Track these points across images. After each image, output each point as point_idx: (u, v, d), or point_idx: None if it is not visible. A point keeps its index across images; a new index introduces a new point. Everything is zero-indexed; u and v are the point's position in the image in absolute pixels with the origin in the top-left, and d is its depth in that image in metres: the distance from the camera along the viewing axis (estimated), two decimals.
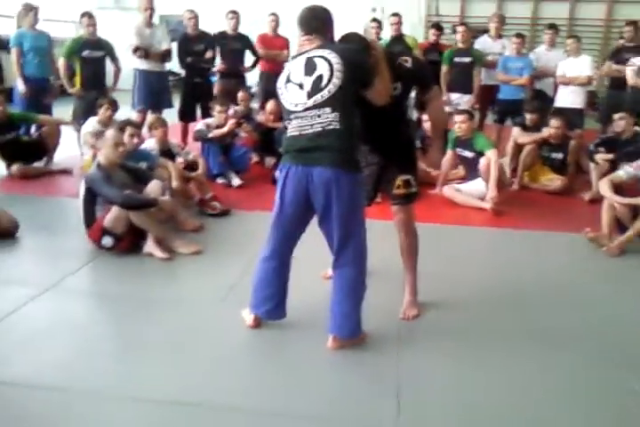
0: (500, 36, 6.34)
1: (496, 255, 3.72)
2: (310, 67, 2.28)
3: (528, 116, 5.38)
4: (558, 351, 2.52)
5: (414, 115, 5.65)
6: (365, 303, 2.43)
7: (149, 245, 3.38)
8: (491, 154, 4.48)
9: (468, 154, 4.71)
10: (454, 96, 6.00)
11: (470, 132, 4.66)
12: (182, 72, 6.24)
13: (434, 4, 11.11)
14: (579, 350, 2.54)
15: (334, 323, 2.40)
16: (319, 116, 2.24)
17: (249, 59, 6.33)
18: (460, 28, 6.11)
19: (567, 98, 5.77)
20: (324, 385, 2.24)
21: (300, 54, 2.38)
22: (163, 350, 2.44)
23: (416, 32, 8.66)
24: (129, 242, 3.40)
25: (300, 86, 2.29)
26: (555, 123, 5.02)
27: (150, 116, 5.30)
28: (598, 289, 3.21)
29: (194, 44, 5.90)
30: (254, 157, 5.66)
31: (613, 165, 4.57)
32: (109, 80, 5.87)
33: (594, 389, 2.27)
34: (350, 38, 2.45)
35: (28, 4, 5.60)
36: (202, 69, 5.99)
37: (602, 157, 4.83)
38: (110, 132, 3.52)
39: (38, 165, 5.30)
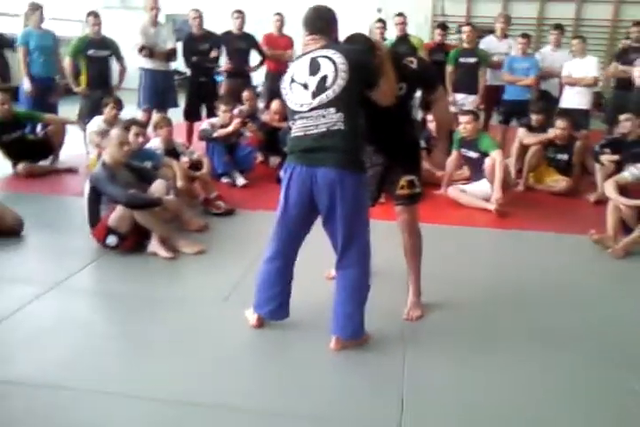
0: (505, 37, 6.32)
1: (500, 256, 3.71)
2: (315, 67, 2.28)
3: (533, 117, 5.37)
4: (561, 352, 2.52)
5: (419, 115, 5.64)
6: (369, 304, 2.42)
7: (153, 245, 3.39)
8: (496, 155, 4.48)
9: (473, 154, 4.70)
10: (459, 96, 5.99)
11: (475, 133, 4.65)
12: (187, 71, 6.25)
13: (439, 4, 11.09)
14: (581, 351, 2.54)
15: (337, 324, 2.40)
16: (324, 116, 2.24)
17: (255, 58, 6.34)
18: (465, 29, 6.10)
19: (573, 99, 5.75)
20: (326, 386, 2.24)
21: (305, 54, 2.38)
22: (167, 349, 2.45)
23: (422, 32, 8.65)
24: (133, 241, 3.41)
25: (305, 86, 2.29)
26: (560, 124, 5.00)
27: (155, 116, 5.31)
28: (602, 290, 3.20)
29: (199, 43, 5.91)
30: (259, 157, 5.67)
31: (619, 167, 4.55)
32: (115, 79, 5.89)
33: (595, 389, 2.28)
34: (355, 39, 2.45)
35: (34, 4, 5.62)
36: (207, 69, 6.00)
37: (607, 158, 4.82)
38: (115, 132, 3.53)
39: (44, 163, 5.31)
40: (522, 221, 4.31)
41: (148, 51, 5.58)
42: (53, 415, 2.00)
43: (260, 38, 6.29)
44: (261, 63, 6.33)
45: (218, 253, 3.48)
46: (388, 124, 2.59)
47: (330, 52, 2.28)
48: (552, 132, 5.10)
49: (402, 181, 2.65)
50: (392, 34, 6.27)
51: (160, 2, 5.74)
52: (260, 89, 7.07)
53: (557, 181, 5.11)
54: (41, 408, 2.03)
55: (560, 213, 4.60)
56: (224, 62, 6.16)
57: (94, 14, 5.61)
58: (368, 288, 2.41)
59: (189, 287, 3.10)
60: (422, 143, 4.83)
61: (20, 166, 4.99)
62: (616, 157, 4.75)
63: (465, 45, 6.03)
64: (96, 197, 3.40)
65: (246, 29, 6.18)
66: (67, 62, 5.56)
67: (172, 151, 4.50)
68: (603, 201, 4.29)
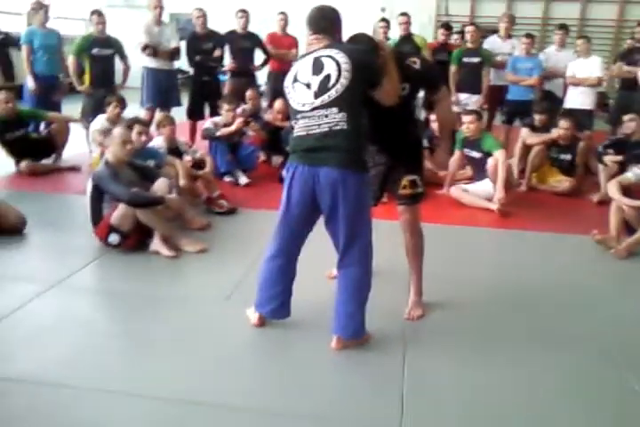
0: (509, 37, 6.30)
1: (502, 256, 3.70)
2: (318, 66, 2.28)
3: (537, 117, 5.36)
4: (561, 352, 2.52)
5: (422, 115, 5.63)
6: (370, 303, 2.42)
7: (156, 243, 3.39)
8: (498, 154, 4.47)
9: (476, 154, 4.69)
10: (463, 96, 5.98)
11: (478, 133, 4.64)
12: (191, 70, 6.25)
13: (443, 4, 11.07)
14: (582, 351, 2.54)
15: (338, 323, 2.40)
16: (326, 116, 2.24)
17: (259, 57, 6.33)
18: (469, 28, 6.09)
19: (577, 99, 5.74)
20: (327, 385, 2.24)
21: (308, 54, 2.38)
22: (168, 347, 2.45)
23: (425, 32, 8.63)
24: (135, 240, 3.41)
25: (308, 86, 2.29)
26: (564, 124, 4.99)
27: (158, 114, 5.31)
28: (604, 291, 3.19)
29: (202, 42, 5.90)
30: (261, 156, 5.67)
31: (622, 167, 4.54)
32: (118, 78, 5.89)
33: (595, 389, 2.27)
34: (358, 39, 2.45)
35: (38, 2, 5.65)
36: (210, 68, 6.00)
37: (611, 158, 4.81)
38: (118, 130, 3.54)
39: (47, 162, 5.33)
40: (524, 222, 4.30)
41: (152, 50, 5.59)
42: (55, 414, 2.00)
43: (263, 38, 6.29)
44: (266, 62, 6.33)
45: (220, 251, 3.48)
46: (391, 123, 2.59)
47: (333, 52, 2.28)
48: (555, 133, 5.09)
49: (404, 181, 2.65)
50: (395, 33, 6.25)
51: (164, 1, 5.75)
52: (263, 88, 7.07)
53: (560, 182, 5.10)
54: (42, 406, 2.03)
55: (563, 213, 4.59)
56: (228, 62, 6.16)
57: (98, 13, 5.63)
58: (369, 288, 2.41)
59: (191, 286, 3.10)
60: (425, 143, 4.83)
61: (23, 164, 5.00)
62: (619, 158, 4.74)
63: (468, 45, 6.01)
64: (98, 196, 3.40)
65: (250, 29, 6.18)
66: (70, 61, 5.57)
67: (175, 150, 4.50)
68: (606, 201, 4.28)
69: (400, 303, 2.78)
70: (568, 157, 5.11)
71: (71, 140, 5.48)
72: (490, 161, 4.51)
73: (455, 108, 5.44)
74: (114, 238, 3.37)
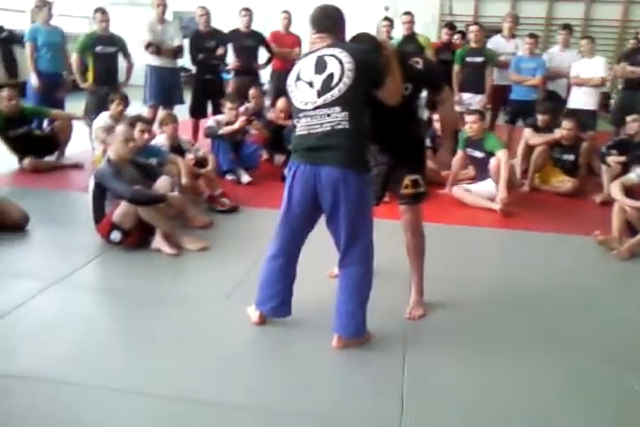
0: (513, 36, 6.30)
1: (504, 257, 3.70)
2: (321, 65, 2.28)
3: (540, 117, 5.35)
4: (563, 352, 2.52)
5: (425, 114, 5.62)
6: (371, 303, 2.42)
7: (157, 241, 3.40)
8: (501, 154, 4.46)
9: (479, 154, 4.69)
10: (466, 96, 5.97)
11: (481, 133, 4.63)
12: (194, 68, 6.25)
13: (447, 4, 11.06)
14: (584, 352, 2.54)
15: (339, 322, 2.40)
16: (329, 115, 2.23)
17: (263, 56, 6.33)
18: (472, 28, 6.08)
19: (580, 99, 5.72)
20: (328, 384, 2.24)
21: (312, 52, 2.37)
22: (170, 345, 2.45)
23: (429, 31, 8.63)
24: (137, 237, 3.42)
25: (310, 85, 2.28)
26: (567, 124, 4.98)
27: (161, 112, 5.32)
28: (606, 292, 3.19)
29: (205, 40, 5.91)
30: (264, 155, 5.67)
31: (625, 168, 4.53)
32: (122, 76, 5.90)
33: (597, 390, 2.27)
34: (361, 38, 2.44)
35: (42, 0, 5.63)
36: (213, 66, 5.99)
37: (614, 159, 4.79)
38: (121, 128, 3.54)
39: (50, 159, 5.34)
40: (527, 222, 4.30)
41: (155, 48, 5.59)
42: (56, 411, 2.01)
43: (267, 36, 6.28)
44: (269, 61, 6.33)
45: (221, 250, 3.48)
46: (394, 123, 2.59)
47: (336, 51, 2.28)
48: (558, 133, 5.08)
49: (406, 181, 2.65)
50: (399, 32, 6.25)
51: None
52: (266, 87, 7.07)
53: (563, 182, 5.09)
54: (44, 403, 2.04)
55: (565, 213, 4.58)
56: (232, 60, 6.15)
57: (102, 11, 5.63)
58: (370, 287, 2.41)
59: (193, 284, 3.11)
60: (428, 142, 4.83)
61: (26, 162, 5.01)
62: (622, 159, 4.72)
63: (472, 45, 6.01)
64: (101, 193, 3.41)
65: (254, 27, 6.18)
66: (74, 58, 5.58)
67: (178, 148, 4.50)
68: (609, 202, 4.27)
69: (401, 303, 2.78)
70: (571, 157, 5.10)
71: (74, 137, 5.49)
72: (492, 161, 4.50)
73: (458, 108, 5.44)
74: (116, 236, 3.37)
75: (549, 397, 2.20)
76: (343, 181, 2.22)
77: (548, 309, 2.93)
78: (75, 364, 2.26)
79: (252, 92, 5.68)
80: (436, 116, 5.06)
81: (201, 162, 4.53)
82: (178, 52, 5.81)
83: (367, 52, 2.33)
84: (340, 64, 2.24)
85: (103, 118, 4.92)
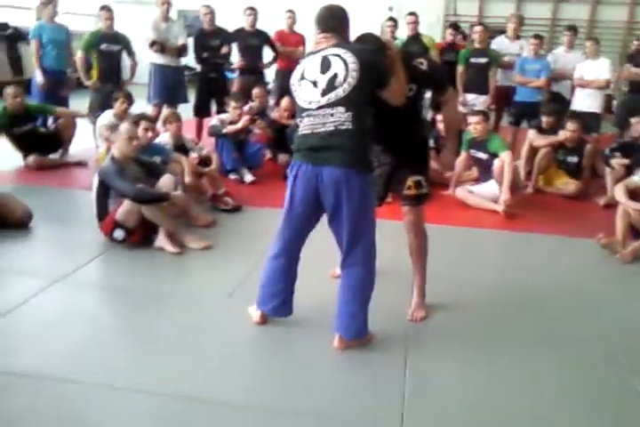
0: (517, 37, 6.28)
1: (507, 258, 3.70)
2: (325, 65, 2.28)
3: (544, 119, 5.33)
4: (566, 354, 2.52)
5: (429, 115, 5.62)
6: (373, 304, 2.42)
7: (160, 240, 3.40)
8: (505, 156, 4.45)
9: (482, 155, 4.68)
10: (470, 97, 5.96)
11: (485, 134, 4.63)
12: (198, 67, 6.26)
13: (452, 4, 11.03)
14: (586, 353, 2.54)
15: (341, 323, 2.40)
16: (332, 115, 2.23)
17: (268, 55, 6.33)
18: (476, 28, 6.06)
19: (584, 101, 5.71)
20: (329, 384, 2.24)
21: (316, 52, 2.37)
22: (172, 344, 2.46)
23: (433, 32, 8.61)
24: (140, 235, 3.42)
25: (314, 84, 2.28)
26: (570, 126, 4.97)
27: (165, 111, 5.32)
28: (609, 294, 3.19)
29: (209, 39, 5.91)
30: (268, 154, 5.67)
31: (629, 170, 4.52)
32: (126, 74, 5.90)
33: (599, 391, 2.28)
34: (366, 39, 2.44)
35: None
36: (217, 65, 6.00)
37: (618, 161, 4.78)
38: (125, 126, 3.54)
39: (54, 156, 5.34)
40: (530, 224, 4.29)
41: (160, 46, 5.59)
42: (59, 409, 2.01)
43: (272, 35, 6.28)
44: (275, 60, 6.33)
45: (224, 249, 3.49)
46: (398, 123, 2.59)
47: (341, 51, 2.28)
48: (562, 135, 5.07)
49: (409, 181, 2.64)
50: (403, 33, 6.24)
51: None
52: (270, 86, 7.07)
53: (567, 184, 5.08)
54: (46, 401, 2.04)
55: (569, 216, 4.57)
56: (237, 59, 6.15)
57: (107, 9, 5.64)
58: (372, 288, 2.41)
59: (195, 283, 3.11)
60: (431, 143, 4.82)
61: (31, 159, 5.02)
62: (626, 161, 4.71)
63: (476, 45, 5.99)
64: (104, 191, 3.41)
65: (259, 26, 6.18)
66: (79, 56, 5.58)
67: (181, 147, 4.51)
68: (612, 205, 4.27)
69: (403, 304, 2.78)
70: (575, 159, 5.09)
71: (78, 135, 5.50)
72: (496, 162, 4.49)
73: (462, 109, 5.44)
74: (119, 234, 3.38)
75: (551, 398, 2.20)
76: (345, 181, 2.22)
77: (551, 310, 2.93)
78: (77, 362, 2.27)
79: (256, 91, 5.68)
80: (439, 117, 5.06)
81: (204, 161, 4.53)
82: (182, 50, 5.81)
83: (372, 52, 2.33)
84: (344, 64, 2.24)
85: (107, 116, 4.93)
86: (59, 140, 5.37)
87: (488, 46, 6.07)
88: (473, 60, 5.91)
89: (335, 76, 2.24)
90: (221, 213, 4.14)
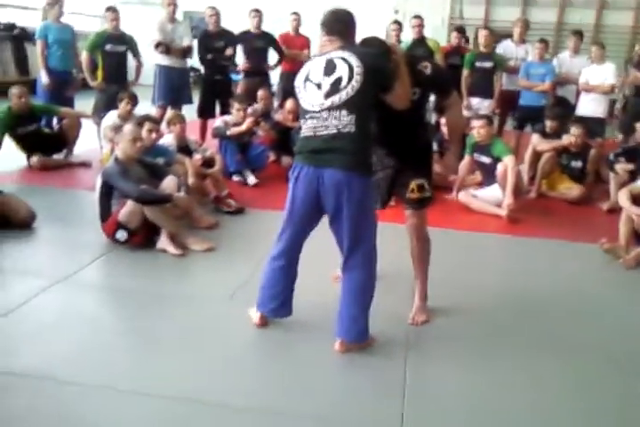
0: (523, 41, 6.27)
1: (510, 263, 3.69)
2: (330, 67, 2.28)
3: (548, 123, 5.33)
4: (568, 359, 2.51)
5: (433, 118, 5.61)
6: (374, 307, 2.42)
7: (163, 241, 3.41)
8: (508, 160, 4.45)
9: (486, 159, 4.67)
10: (474, 101, 5.95)
11: (489, 138, 4.62)
12: (203, 68, 6.27)
13: (457, 7, 11.03)
14: (588, 358, 2.53)
15: (342, 326, 2.40)
16: (335, 117, 2.24)
17: (273, 57, 6.33)
18: (482, 32, 6.06)
19: (588, 106, 5.70)
20: (329, 387, 2.24)
21: (321, 54, 2.38)
22: (174, 346, 2.46)
23: (439, 35, 8.61)
24: (143, 237, 3.43)
25: (318, 86, 2.29)
26: (575, 131, 4.96)
27: (170, 112, 5.33)
28: (612, 299, 3.18)
29: (214, 40, 5.92)
30: (271, 156, 5.67)
31: (633, 176, 4.51)
32: (132, 74, 5.92)
33: (602, 395, 2.27)
34: (371, 42, 2.45)
35: None
36: (222, 66, 6.01)
37: (622, 167, 4.76)
38: (128, 127, 3.55)
39: (58, 157, 5.36)
40: (533, 228, 4.28)
41: (165, 47, 5.61)
42: (59, 410, 2.01)
43: (277, 37, 6.29)
44: (280, 62, 6.33)
45: (227, 251, 3.49)
46: (401, 127, 2.59)
47: (346, 55, 2.28)
48: (566, 139, 5.05)
49: (412, 185, 2.64)
50: (408, 35, 6.24)
51: None
52: (274, 88, 7.08)
53: (570, 189, 5.07)
54: (46, 402, 2.04)
55: (572, 220, 4.56)
56: (242, 61, 6.16)
57: (112, 9, 5.65)
58: (373, 291, 2.40)
59: (197, 284, 3.11)
60: (435, 147, 4.82)
61: (35, 159, 5.04)
62: (631, 167, 4.70)
63: (482, 49, 5.99)
64: (107, 192, 3.42)
65: (264, 28, 6.19)
66: (84, 57, 5.60)
67: (185, 148, 4.52)
68: (616, 210, 4.25)
69: (404, 308, 2.78)
70: (579, 164, 5.08)
71: (82, 135, 5.51)
72: (499, 166, 4.49)
73: (466, 113, 5.43)
74: (121, 235, 3.38)
75: (553, 402, 2.19)
76: (347, 184, 2.22)
77: (554, 315, 2.92)
78: (79, 363, 2.27)
79: (260, 93, 5.69)
80: (443, 121, 5.05)
81: (208, 162, 4.53)
82: (187, 51, 5.82)
83: (376, 56, 2.34)
84: (348, 67, 2.24)
85: (111, 117, 4.94)
86: (63, 140, 5.38)
87: (493, 50, 6.07)
88: (478, 64, 5.90)
89: (339, 79, 2.25)
90: (224, 215, 4.14)
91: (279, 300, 2.52)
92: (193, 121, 5.72)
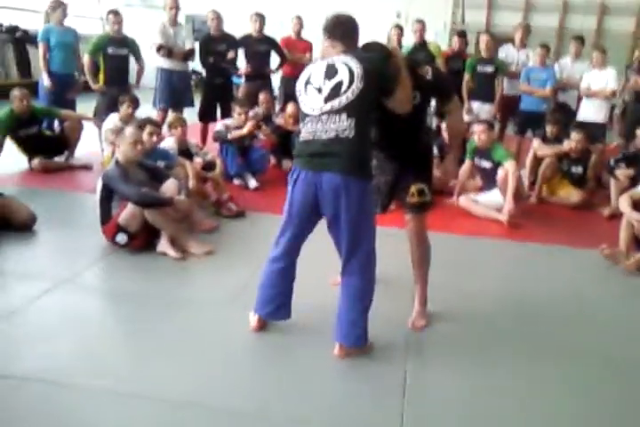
0: (524, 46, 6.28)
1: (509, 268, 3.68)
2: (331, 72, 2.29)
3: (549, 129, 5.33)
4: (567, 364, 2.51)
5: (434, 123, 5.62)
6: (374, 312, 2.42)
7: (163, 244, 3.41)
8: (509, 165, 4.45)
9: (487, 164, 4.68)
10: (475, 105, 5.96)
11: (489, 143, 4.63)
12: (204, 72, 6.27)
13: (459, 12, 11.05)
14: (588, 364, 2.53)
15: (340, 330, 2.40)
16: (334, 121, 2.24)
17: (275, 61, 6.34)
18: (483, 37, 6.07)
19: (590, 111, 5.70)
20: (328, 392, 2.24)
21: (323, 59, 2.39)
22: (173, 349, 2.45)
23: (440, 39, 8.63)
24: (143, 240, 3.43)
25: (319, 90, 2.30)
26: (575, 136, 4.96)
27: (171, 115, 5.34)
28: (611, 305, 3.17)
29: (216, 44, 5.92)
30: (272, 160, 5.67)
31: (634, 182, 4.50)
32: (133, 77, 5.93)
33: (600, 401, 2.27)
34: (372, 47, 2.45)
35: (56, 1, 5.68)
36: (223, 70, 6.01)
37: (622, 172, 4.77)
38: (129, 130, 3.56)
39: (59, 159, 5.36)
40: (533, 234, 4.28)
41: (166, 50, 5.62)
42: (60, 413, 2.01)
43: (279, 41, 6.30)
44: (281, 65, 6.34)
45: (226, 254, 3.49)
46: (402, 131, 2.60)
47: (347, 59, 2.29)
48: (567, 145, 5.05)
49: (412, 189, 2.64)
50: (409, 39, 6.25)
51: (180, 2, 5.78)
52: (276, 92, 7.09)
53: (571, 194, 5.06)
54: (47, 405, 2.04)
55: (573, 226, 4.56)
56: (243, 65, 6.16)
57: (114, 13, 5.66)
58: (372, 296, 2.40)
59: (197, 288, 3.12)
60: (436, 151, 4.82)
61: (36, 162, 5.05)
62: (631, 172, 4.70)
63: (483, 54, 6.00)
64: (108, 195, 3.42)
65: (267, 31, 6.20)
66: (86, 60, 5.61)
67: (186, 151, 4.52)
68: (616, 216, 4.25)
69: (404, 312, 2.77)
70: (579, 169, 5.07)
71: (84, 138, 5.53)
72: (500, 171, 4.49)
73: (467, 117, 5.43)
74: (121, 238, 3.38)
75: (551, 408, 2.19)
76: (344, 188, 2.23)
77: (553, 320, 2.92)
78: (79, 366, 2.27)
79: (261, 96, 5.70)
80: (444, 125, 5.06)
81: (209, 166, 4.54)
82: (188, 55, 5.83)
83: (377, 60, 2.34)
84: (349, 72, 2.25)
85: (113, 120, 4.95)
86: (64, 143, 5.39)
87: (495, 55, 6.08)
88: (479, 68, 5.91)
89: (340, 83, 2.25)
90: (224, 218, 4.14)
91: (277, 302, 2.52)
92: (194, 124, 5.73)
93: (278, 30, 6.66)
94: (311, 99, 2.32)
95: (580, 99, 5.90)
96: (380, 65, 2.32)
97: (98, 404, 2.06)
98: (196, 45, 5.95)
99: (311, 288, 2.75)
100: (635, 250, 3.69)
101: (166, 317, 2.72)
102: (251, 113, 5.29)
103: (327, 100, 2.26)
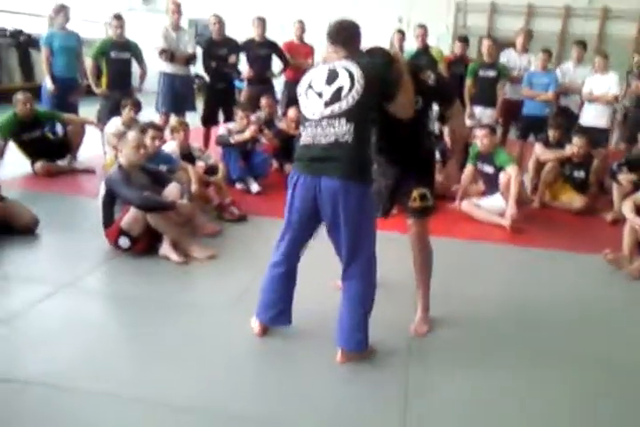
0: (526, 51, 6.29)
1: (512, 273, 3.68)
2: (332, 77, 2.30)
3: (551, 133, 5.33)
4: (569, 369, 2.50)
5: (436, 127, 5.62)
6: (376, 317, 2.41)
7: (165, 248, 3.41)
8: (511, 170, 4.44)
9: (489, 169, 4.67)
10: (477, 109, 5.96)
11: (492, 147, 4.63)
12: (207, 76, 6.28)
13: (461, 16, 11.08)
14: (590, 368, 2.53)
15: (342, 335, 2.39)
16: (334, 126, 2.24)
17: (277, 65, 6.35)
18: (485, 42, 6.07)
19: (592, 116, 5.70)
20: (329, 396, 2.23)
21: (325, 63, 2.39)
22: (175, 353, 2.45)
23: (442, 44, 8.64)
24: (145, 244, 3.43)
25: (320, 95, 2.30)
26: (577, 141, 4.96)
27: (173, 119, 5.35)
28: (614, 310, 3.16)
29: (218, 48, 5.93)
30: (274, 164, 5.68)
31: (636, 186, 4.50)
32: (136, 81, 5.94)
33: (602, 405, 2.26)
34: (374, 52, 2.46)
35: (59, 5, 5.71)
36: (225, 74, 6.03)
37: (625, 177, 4.76)
38: (132, 134, 3.56)
39: (62, 163, 5.37)
40: (536, 239, 4.27)
41: (169, 54, 5.64)
42: (62, 417, 2.01)
43: (281, 45, 6.32)
44: (284, 70, 6.35)
45: (229, 258, 3.49)
46: (404, 135, 2.60)
47: (349, 64, 2.30)
48: (569, 149, 5.05)
49: (414, 194, 2.64)
50: (412, 44, 6.26)
51: (183, 6, 5.80)
52: (278, 97, 7.10)
53: (573, 199, 5.06)
54: (48, 409, 2.04)
55: (575, 231, 4.55)
56: (245, 69, 6.18)
57: (117, 17, 5.68)
58: (373, 300, 2.39)
59: (199, 292, 3.11)
60: (438, 156, 4.82)
61: (39, 165, 5.05)
62: (634, 177, 4.69)
63: (485, 59, 6.01)
64: (111, 199, 3.42)
65: (269, 35, 6.21)
66: (89, 63, 5.63)
67: (189, 155, 4.52)
68: (619, 220, 4.25)
69: (406, 317, 2.77)
70: (582, 174, 5.07)
71: (86, 142, 5.54)
72: (502, 176, 4.48)
73: (469, 122, 5.43)
74: (124, 242, 3.38)
75: (554, 412, 2.18)
76: (343, 192, 2.23)
77: (556, 325, 2.91)
78: (81, 370, 2.27)
79: (263, 101, 5.70)
80: (446, 130, 5.05)
81: (211, 170, 4.54)
82: (191, 59, 5.85)
83: (379, 66, 2.35)
84: (350, 77, 2.26)
85: (115, 124, 4.96)
86: (67, 146, 5.40)
87: (497, 60, 6.08)
88: (482, 73, 5.92)
89: (340, 88, 2.26)
90: (227, 222, 4.14)
91: (278, 308, 2.52)
92: (196, 128, 5.74)
93: (279, 34, 6.67)
94: (312, 103, 2.32)
95: (582, 104, 5.90)
96: (381, 70, 2.33)
97: (100, 408, 2.06)
98: (198, 50, 5.97)
99: (311, 293, 2.74)
100: (638, 255, 3.68)
101: (168, 321, 2.72)
102: (253, 117, 5.30)
103: (327, 104, 2.27)
